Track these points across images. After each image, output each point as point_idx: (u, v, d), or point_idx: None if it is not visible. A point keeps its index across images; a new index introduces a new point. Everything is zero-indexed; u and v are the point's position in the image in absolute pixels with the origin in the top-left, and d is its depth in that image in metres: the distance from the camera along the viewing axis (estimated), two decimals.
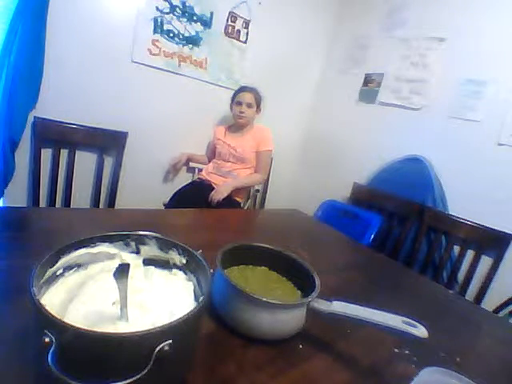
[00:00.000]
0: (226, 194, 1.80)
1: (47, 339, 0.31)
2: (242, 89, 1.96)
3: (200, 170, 2.12)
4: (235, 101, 1.95)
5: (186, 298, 0.48)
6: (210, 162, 2.11)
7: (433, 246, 1.81)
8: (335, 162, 2.50)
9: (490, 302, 1.58)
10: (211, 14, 1.97)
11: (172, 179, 2.16)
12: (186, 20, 1.89)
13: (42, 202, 1.67)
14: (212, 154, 2.11)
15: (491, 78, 1.75)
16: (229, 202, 1.85)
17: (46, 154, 1.63)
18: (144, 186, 2.03)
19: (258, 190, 2.21)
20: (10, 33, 1.38)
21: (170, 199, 1.90)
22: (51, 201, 1.68)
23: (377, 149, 2.23)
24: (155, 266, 0.54)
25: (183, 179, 2.15)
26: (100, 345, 0.33)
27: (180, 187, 1.98)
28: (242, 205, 2.00)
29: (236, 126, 2.01)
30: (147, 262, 0.55)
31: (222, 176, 1.97)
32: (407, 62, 2.11)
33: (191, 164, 2.17)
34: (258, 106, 1.98)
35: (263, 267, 0.70)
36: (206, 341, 0.52)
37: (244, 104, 1.91)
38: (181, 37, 1.89)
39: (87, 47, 1.63)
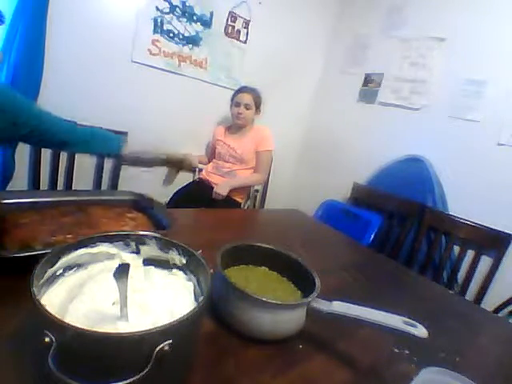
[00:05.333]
0: (226, 193, 1.80)
1: (47, 339, 0.31)
2: (241, 89, 1.95)
3: (201, 170, 2.12)
4: (234, 101, 1.94)
5: (185, 297, 0.48)
6: (209, 162, 2.11)
7: (433, 246, 1.81)
8: (335, 161, 2.50)
9: (490, 302, 1.58)
10: (211, 13, 1.97)
11: (172, 180, 2.16)
12: (185, 20, 1.89)
13: None
14: (212, 154, 2.11)
15: (491, 78, 1.75)
16: (229, 202, 1.85)
17: (46, 154, 1.63)
18: (144, 186, 2.02)
19: (257, 191, 2.21)
20: (9, 33, 1.38)
21: (170, 199, 1.90)
22: None
23: (377, 149, 2.23)
24: (155, 266, 0.54)
25: (183, 179, 2.15)
26: (100, 345, 0.33)
27: (180, 187, 1.98)
28: (241, 205, 2.00)
29: (235, 126, 2.01)
30: (147, 262, 0.55)
31: (221, 176, 1.97)
32: (407, 62, 2.11)
33: None
34: (258, 107, 1.97)
35: (263, 267, 0.70)
36: (206, 341, 0.52)
37: (242, 105, 1.91)
38: (181, 37, 1.89)
39: (87, 47, 1.63)
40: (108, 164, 1.83)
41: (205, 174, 2.03)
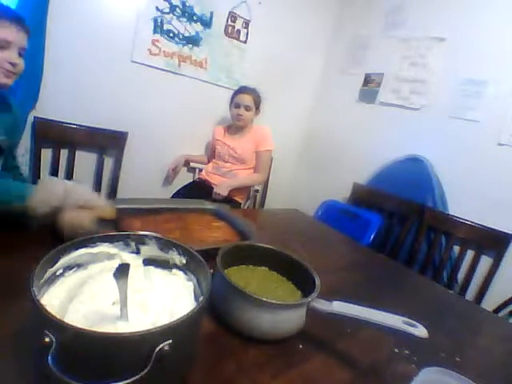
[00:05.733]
0: (226, 193, 1.80)
1: (47, 339, 0.31)
2: (241, 90, 1.94)
3: (201, 170, 2.12)
4: (234, 102, 1.93)
5: (186, 298, 0.48)
6: (209, 162, 2.11)
7: (433, 246, 1.81)
8: (335, 161, 2.50)
9: (490, 302, 1.58)
10: (211, 14, 1.97)
11: (172, 180, 2.16)
12: (185, 20, 1.89)
13: None
14: (212, 154, 2.11)
15: (491, 78, 1.75)
16: (229, 202, 1.85)
17: (46, 154, 1.63)
18: (144, 185, 2.03)
19: (257, 191, 2.21)
20: None
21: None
22: None
23: (377, 149, 2.23)
24: (155, 266, 0.54)
25: (183, 179, 2.16)
26: (100, 345, 0.33)
27: (179, 187, 1.98)
28: (241, 205, 2.00)
29: (235, 126, 2.01)
30: (147, 262, 0.55)
31: (221, 176, 1.97)
32: (407, 62, 2.11)
33: (192, 164, 2.17)
34: (258, 108, 1.96)
35: (263, 267, 0.70)
36: (206, 341, 0.52)
37: (242, 107, 1.90)
38: (181, 37, 1.89)
39: (87, 47, 1.63)
40: (108, 164, 1.83)
41: (205, 174, 2.03)
